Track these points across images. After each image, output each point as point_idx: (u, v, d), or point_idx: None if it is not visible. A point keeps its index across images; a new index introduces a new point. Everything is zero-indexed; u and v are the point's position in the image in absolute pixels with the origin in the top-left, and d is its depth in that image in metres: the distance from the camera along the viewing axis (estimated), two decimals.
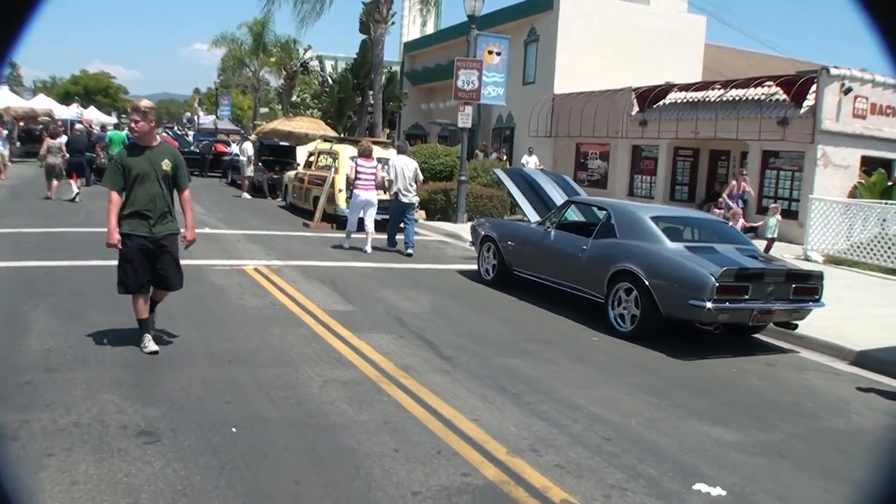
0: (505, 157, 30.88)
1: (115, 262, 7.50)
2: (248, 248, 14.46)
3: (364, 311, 9.87)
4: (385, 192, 15.70)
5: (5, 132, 28.86)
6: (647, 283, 9.43)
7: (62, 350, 7.29)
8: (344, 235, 15.73)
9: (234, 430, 5.63)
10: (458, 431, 5.94)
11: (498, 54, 21.90)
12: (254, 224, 18.24)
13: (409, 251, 15.22)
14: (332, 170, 18.75)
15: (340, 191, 18.35)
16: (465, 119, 21.00)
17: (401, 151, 16.49)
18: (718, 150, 27.62)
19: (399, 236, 15.65)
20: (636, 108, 29.40)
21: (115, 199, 7.18)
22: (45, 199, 21.17)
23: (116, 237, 7.21)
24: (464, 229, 19.18)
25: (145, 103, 7.34)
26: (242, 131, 56.23)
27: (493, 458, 5.46)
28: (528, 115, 34.18)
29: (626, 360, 8.68)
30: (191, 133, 54.55)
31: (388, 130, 25.77)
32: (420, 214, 19.56)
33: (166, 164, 7.29)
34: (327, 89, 35.61)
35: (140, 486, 4.65)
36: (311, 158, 21.34)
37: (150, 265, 7.35)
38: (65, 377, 6.52)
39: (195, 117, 69.84)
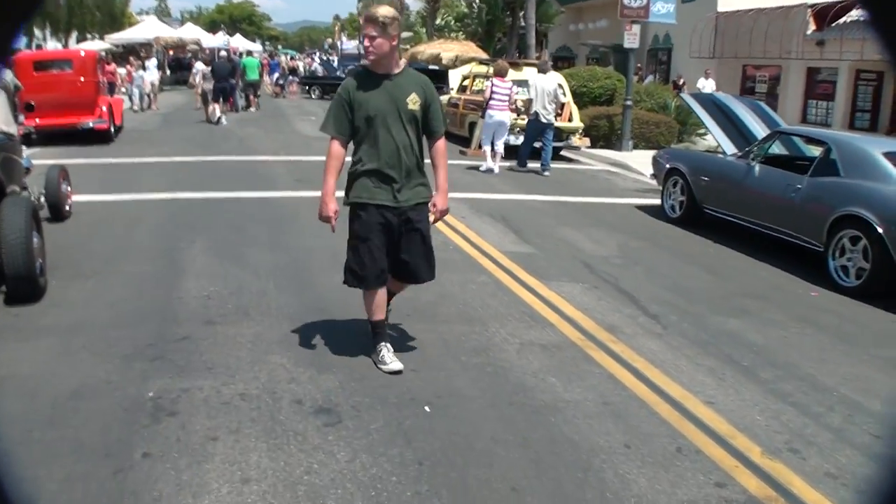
0: (682, 81, 28.54)
1: (272, 194, 6.48)
2: None
3: (546, 254, 8.72)
4: (519, 114, 15.52)
5: (156, 61, 28.73)
6: (880, 230, 7.84)
7: (222, 297, 6.48)
8: (485, 161, 15.06)
9: (426, 408, 4.63)
10: (694, 419, 4.76)
11: None
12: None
13: (546, 173, 14.90)
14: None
15: None
16: (631, 39, 19.26)
17: (541, 70, 15.63)
18: None
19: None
20: (812, 27, 26.71)
21: (337, 150, 5.10)
22: (203, 123, 21.58)
23: (333, 207, 5.14)
24: (630, 158, 17.73)
25: (384, 11, 4.86)
26: None
27: (748, 461, 4.27)
28: (688, 35, 31.78)
29: (862, 323, 7.20)
30: (335, 59, 54.15)
31: (545, 52, 24.20)
32: (584, 142, 18.14)
33: (413, 101, 4.99)
34: (475, 11, 34.09)
35: (324, 487, 3.73)
36: (466, 83, 20.03)
37: (389, 247, 5.19)
38: (226, 332, 5.68)
39: (337, 43, 69.50)
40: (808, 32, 26.68)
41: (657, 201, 12.61)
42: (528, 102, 15.06)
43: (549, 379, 5.23)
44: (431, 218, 5.28)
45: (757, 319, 7.01)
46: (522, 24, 29.51)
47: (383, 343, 5.27)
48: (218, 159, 14.72)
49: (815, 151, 9.84)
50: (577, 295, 7.23)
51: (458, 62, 24.70)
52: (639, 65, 34.55)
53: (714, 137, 11.24)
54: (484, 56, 25.61)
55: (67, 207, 9.46)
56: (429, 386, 4.96)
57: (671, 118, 20.89)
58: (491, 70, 17.85)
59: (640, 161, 17.25)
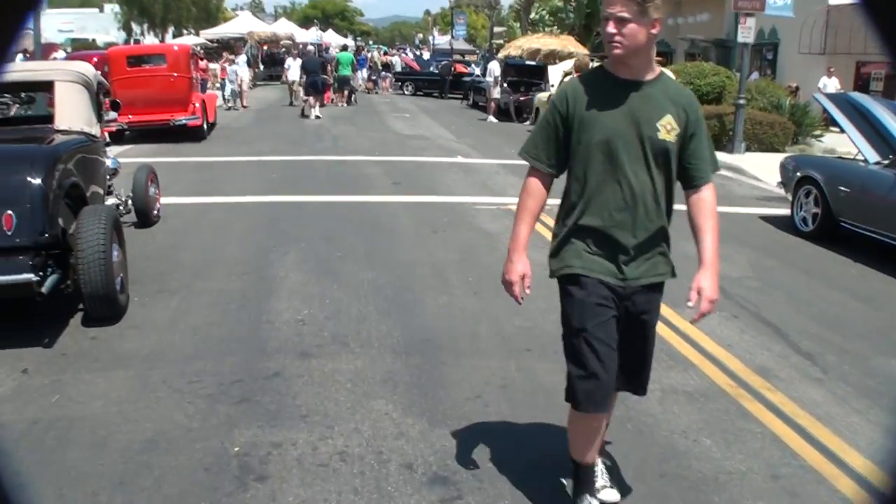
0: (796, 86, 26.86)
1: (368, 198, 5.73)
2: (509, 182, 12.66)
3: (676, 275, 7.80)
4: None
5: (245, 56, 28.31)
6: None
7: (318, 322, 5.78)
8: None
9: (564, 480, 3.83)
10: None
11: None
12: (508, 152, 16.44)
13: None
14: None
15: None
16: (745, 33, 18.10)
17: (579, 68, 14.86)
18: None
19: None
20: None
21: (536, 187, 3.43)
22: (296, 119, 21.59)
23: (522, 269, 3.48)
24: (744, 161, 16.55)
25: None
26: (479, 51, 54.77)
27: None
28: (798, 30, 30.10)
29: None
30: (426, 54, 53.62)
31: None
32: None
33: (668, 126, 3.22)
34: (573, 3, 33.00)
35: None
36: (569, 78, 19.14)
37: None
38: (323, 368, 4.97)
39: (430, 38, 69.06)
40: None
41: (782, 211, 11.55)
42: None
43: (702, 440, 4.37)
44: (695, 313, 3.38)
45: None
46: None
47: (588, 497, 3.55)
48: (311, 159, 14.17)
49: None
50: (717, 326, 6.31)
51: (557, 56, 23.73)
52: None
53: (854, 143, 10.09)
54: (584, 51, 24.56)
55: (156, 212, 8.95)
56: (562, 444, 4.15)
57: (786, 118, 19.56)
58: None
59: (756, 164, 16.09)
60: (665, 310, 6.56)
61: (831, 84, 24.48)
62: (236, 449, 3.97)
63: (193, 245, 8.04)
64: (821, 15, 29.44)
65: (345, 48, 33.16)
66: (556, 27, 42.00)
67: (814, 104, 23.68)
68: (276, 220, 9.27)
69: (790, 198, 10.81)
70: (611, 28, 3.03)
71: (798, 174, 10.48)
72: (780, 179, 11.24)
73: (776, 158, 17.74)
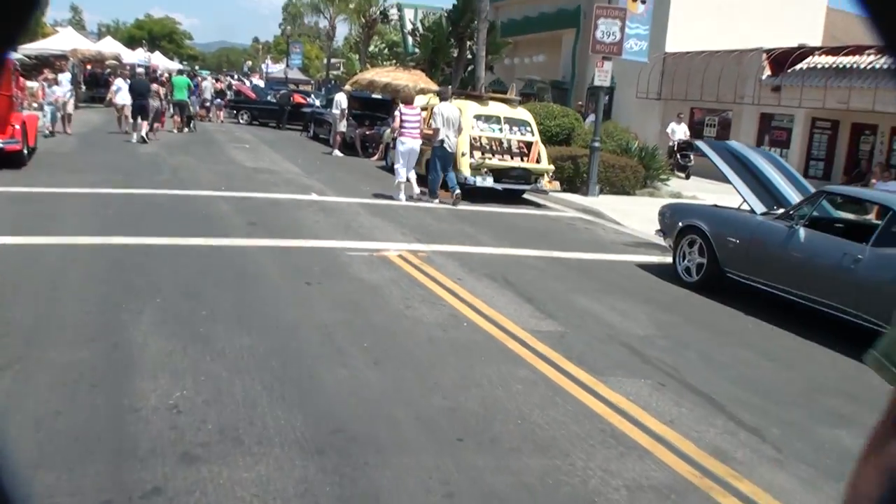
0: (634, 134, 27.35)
1: (225, 241, 4.80)
2: (374, 224, 11.76)
3: (579, 334, 7.12)
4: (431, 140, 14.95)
5: (69, 75, 25.72)
6: None
7: (196, 408, 4.64)
8: (396, 189, 14.73)
9: None
10: None
11: (643, 2, 18.75)
12: (364, 190, 15.55)
13: (457, 194, 14.71)
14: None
15: (464, 154, 15.55)
16: (603, 76, 18.04)
17: (443, 98, 15.52)
18: (862, 124, 24.27)
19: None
20: (768, 72, 26.05)
21: None
22: (126, 146, 19.88)
23: None
24: (600, 204, 16.39)
25: None
26: (312, 81, 53.64)
27: None
28: (634, 75, 30.87)
29: None
30: (257, 81, 51.91)
31: (513, 86, 22.79)
32: (554, 186, 16.72)
33: None
34: (418, 38, 32.54)
35: None
36: (424, 114, 18.30)
37: None
38: (217, 477, 3.87)
39: (262, 66, 67.25)
40: (763, 77, 26.04)
41: (656, 258, 11.29)
42: (436, 131, 14.74)
43: None
44: None
45: (862, 428, 5.53)
46: (469, 55, 28.16)
47: None
48: (151, 192, 12.71)
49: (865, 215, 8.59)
50: (648, 397, 5.66)
51: (406, 92, 23.08)
52: (580, 102, 33.65)
53: (740, 194, 9.83)
54: (434, 87, 24.07)
55: None
56: None
57: (635, 162, 19.67)
58: (461, 104, 16.36)
59: (612, 208, 15.96)
60: (584, 375, 5.93)
61: (680, 130, 25.11)
62: None
63: (23, 300, 6.62)
64: (657, 61, 30.33)
65: (181, 72, 31.28)
66: (394, 61, 41.62)
67: (662, 148, 24.26)
68: (121, 267, 7.93)
69: (670, 246, 10.49)
70: None
71: (681, 223, 10.16)
72: (658, 228, 10.90)
73: (630, 202, 17.81)
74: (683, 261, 10.05)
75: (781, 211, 9.27)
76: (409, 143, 14.66)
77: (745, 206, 9.88)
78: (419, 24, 34.17)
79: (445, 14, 30.61)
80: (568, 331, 7.15)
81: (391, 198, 14.56)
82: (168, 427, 4.35)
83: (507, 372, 5.83)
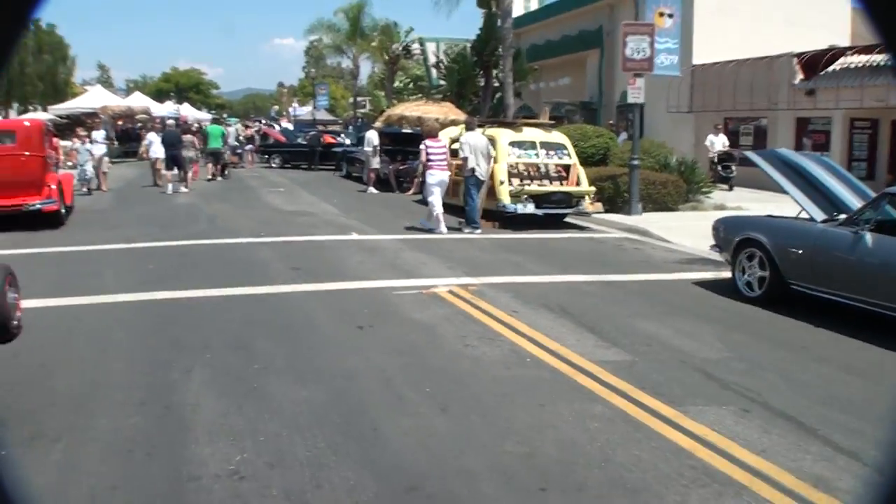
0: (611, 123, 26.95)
1: (270, 289, 4.58)
2: (419, 260, 11.48)
3: (648, 362, 6.75)
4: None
5: (103, 132, 25.86)
6: None
7: (259, 473, 4.34)
8: (431, 224, 14.61)
9: None
10: None
11: (670, 16, 18.43)
12: (402, 226, 15.30)
13: (478, 231, 14.65)
14: (491, 159, 15.62)
15: (502, 183, 15.27)
16: (636, 93, 17.75)
17: (469, 128, 15.51)
18: None
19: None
20: (800, 76, 25.56)
21: None
22: (162, 199, 19.69)
23: None
24: (645, 222, 16.00)
25: None
26: (340, 120, 53.77)
27: None
28: (663, 90, 30.46)
29: None
30: (286, 124, 52.18)
31: (546, 111, 22.62)
32: (597, 207, 16.38)
33: None
34: (443, 71, 32.42)
35: None
36: (456, 146, 18.05)
37: None
38: None
39: (290, 109, 67.70)
40: (796, 82, 25.56)
41: (710, 274, 10.88)
42: (465, 160, 14.71)
43: None
44: None
45: None
46: (496, 83, 27.98)
47: None
48: (190, 244, 12.56)
49: None
50: (734, 426, 5.27)
51: (438, 125, 22.92)
52: (611, 122, 33.29)
53: (798, 202, 9.43)
54: (463, 117, 23.88)
55: (16, 322, 7.22)
56: None
57: (676, 177, 19.27)
58: (494, 133, 16.18)
59: (658, 225, 15.57)
60: (662, 407, 5.54)
61: (718, 141, 24.70)
62: None
63: (69, 364, 6.41)
64: (686, 74, 29.93)
65: (215, 121, 31.43)
66: (420, 95, 41.57)
67: (700, 161, 23.83)
68: (166, 323, 7.71)
69: (728, 261, 10.08)
70: None
71: (737, 237, 9.75)
72: (714, 243, 10.50)
73: (675, 218, 17.40)
74: (743, 275, 9.63)
75: (843, 217, 8.84)
76: (439, 175, 14.67)
77: (803, 215, 9.48)
78: (443, 57, 34.06)
79: (469, 45, 30.48)
80: (636, 359, 6.79)
81: (431, 231, 14.31)
82: (231, 496, 4.07)
83: (581, 409, 5.48)
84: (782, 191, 9.92)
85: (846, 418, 5.57)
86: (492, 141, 16.13)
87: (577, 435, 5.02)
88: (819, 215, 9.17)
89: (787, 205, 10.18)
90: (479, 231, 14.60)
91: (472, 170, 14.62)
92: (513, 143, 16.05)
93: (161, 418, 5.16)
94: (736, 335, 7.87)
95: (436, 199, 14.55)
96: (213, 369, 6.18)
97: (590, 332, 7.63)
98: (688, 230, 15.10)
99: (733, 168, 23.66)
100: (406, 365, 6.34)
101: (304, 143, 33.33)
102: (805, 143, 25.12)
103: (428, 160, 14.74)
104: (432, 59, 40.72)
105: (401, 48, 45.38)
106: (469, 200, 14.89)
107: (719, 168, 23.81)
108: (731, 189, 22.76)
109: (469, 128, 15.53)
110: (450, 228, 14.46)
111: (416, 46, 46.44)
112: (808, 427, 5.35)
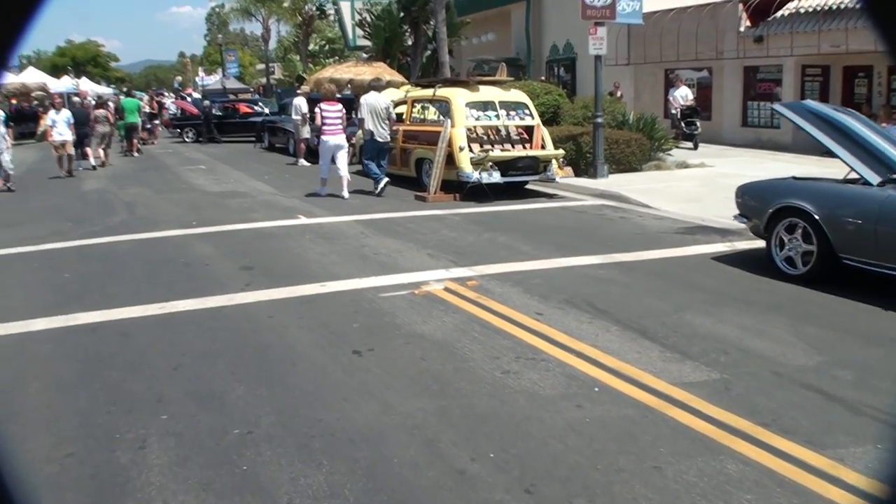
0: (620, 94, 25.61)
1: (222, 300, 4.59)
2: (390, 247, 9.74)
3: (740, 379, 5.22)
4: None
5: (1, 114, 21.61)
6: None
7: None
8: (319, 185, 14.54)
9: None
10: None
11: None
12: (354, 204, 13.51)
13: (381, 193, 14.28)
14: (447, 123, 13.90)
15: (462, 149, 13.59)
16: (597, 44, 16.13)
17: (375, 88, 15.06)
18: (854, 67, 22.82)
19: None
20: (746, 23, 24.46)
21: None
22: (68, 185, 17.53)
23: None
24: (617, 186, 14.64)
25: None
26: (251, 88, 51.10)
27: None
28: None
29: None
30: (196, 96, 49.27)
31: (503, 67, 20.90)
32: (566, 172, 14.86)
33: None
34: (368, 30, 30.37)
35: None
36: (401, 109, 16.22)
37: None
38: None
39: (196, 79, 64.32)
40: (742, 29, 24.48)
41: (722, 246, 9.55)
42: (362, 122, 14.47)
43: None
44: None
45: None
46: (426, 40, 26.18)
47: None
48: (111, 241, 10.53)
49: None
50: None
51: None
52: (542, 77, 31.72)
53: (846, 163, 8.02)
54: (399, 78, 22.05)
55: None
56: None
57: (640, 135, 17.88)
58: (448, 93, 14.47)
59: (629, 188, 14.22)
60: (818, 458, 4.05)
61: (681, 94, 23.39)
62: None
63: None
64: (624, 25, 28.61)
65: (129, 93, 28.56)
66: (336, 58, 39.47)
67: (660, 116, 22.55)
68: (98, 364, 5.77)
69: (758, 233, 8.68)
70: None
71: (772, 206, 8.32)
72: (738, 212, 9.06)
73: (644, 179, 16.02)
74: (782, 250, 8.23)
75: None
76: (333, 140, 14.30)
77: (851, 176, 8.10)
78: (366, 15, 32.02)
79: (395, 0, 28.56)
80: (725, 376, 5.27)
81: (317, 194, 14.37)
82: None
83: (710, 469, 3.93)
84: (751, 146, 8.55)
85: None
86: (446, 101, 14.44)
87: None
88: (873, 178, 7.77)
89: (762, 161, 8.78)
90: (384, 181, 14.31)
91: (371, 132, 14.23)
92: (470, 104, 14.34)
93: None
94: (809, 328, 6.44)
95: (324, 163, 14.36)
96: (178, 440, 4.38)
97: (642, 337, 6.08)
98: (663, 193, 13.80)
99: (698, 124, 22.40)
100: (442, 411, 4.67)
101: (219, 113, 30.91)
102: (777, 91, 24.16)
103: (323, 124, 14.32)
104: (348, 19, 38.58)
105: (314, 9, 43.01)
106: (364, 161, 14.80)
107: (682, 124, 22.48)
108: (695, 147, 21.47)
109: (374, 88, 14.97)
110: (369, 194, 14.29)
111: (329, 6, 44.15)
112: None
